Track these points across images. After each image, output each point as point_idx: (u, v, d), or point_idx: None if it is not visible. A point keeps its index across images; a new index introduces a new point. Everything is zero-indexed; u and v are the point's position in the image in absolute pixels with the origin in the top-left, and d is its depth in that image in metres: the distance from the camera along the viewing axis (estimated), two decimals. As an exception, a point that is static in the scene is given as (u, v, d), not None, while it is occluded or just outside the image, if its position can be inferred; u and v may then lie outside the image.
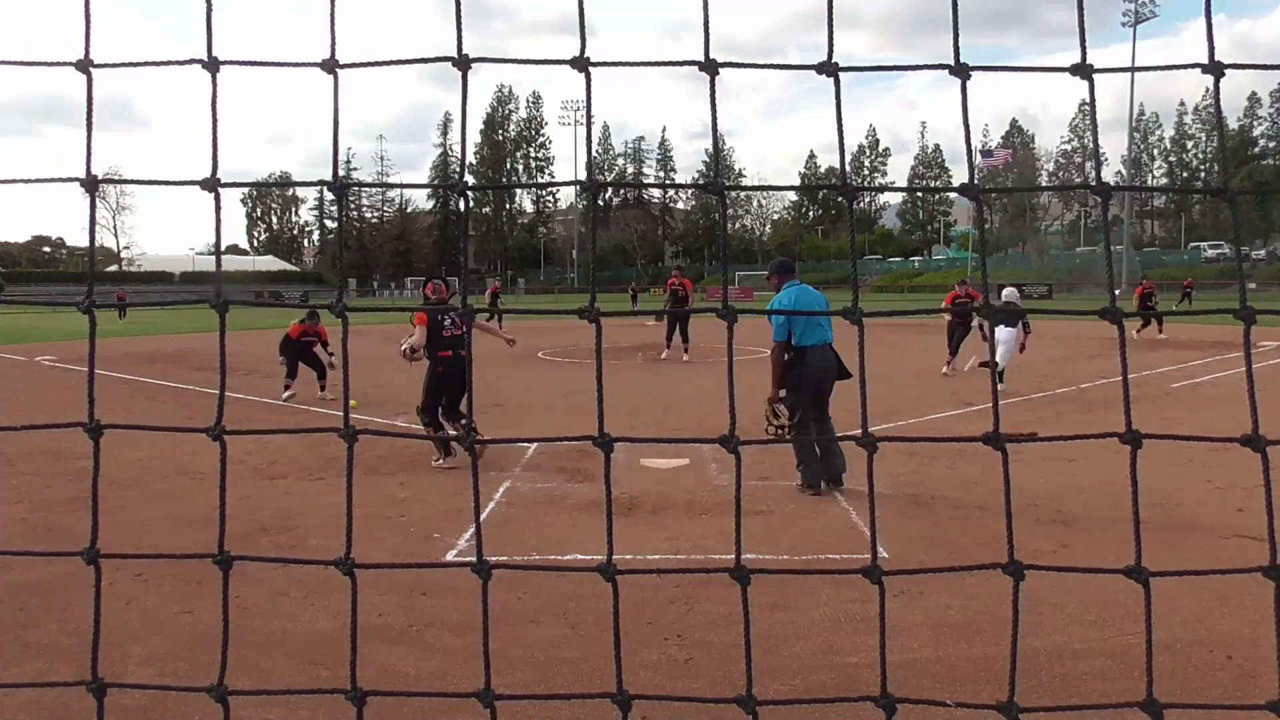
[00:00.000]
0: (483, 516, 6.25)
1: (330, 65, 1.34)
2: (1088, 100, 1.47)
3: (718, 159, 1.60)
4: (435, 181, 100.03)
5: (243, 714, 3.47)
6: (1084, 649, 4.00)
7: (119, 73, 1.43)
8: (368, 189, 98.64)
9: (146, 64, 1.37)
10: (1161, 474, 7.10)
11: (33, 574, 4.84)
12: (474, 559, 1.36)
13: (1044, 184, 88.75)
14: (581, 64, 1.31)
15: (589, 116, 1.48)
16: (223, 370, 1.50)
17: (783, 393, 6.83)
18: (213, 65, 1.34)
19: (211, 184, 1.35)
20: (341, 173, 1.45)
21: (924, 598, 4.62)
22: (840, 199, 1.46)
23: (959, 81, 1.31)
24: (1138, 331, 21.23)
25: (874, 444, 1.36)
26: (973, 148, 1.36)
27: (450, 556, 5.39)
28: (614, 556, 1.41)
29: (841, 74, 1.33)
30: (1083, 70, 1.30)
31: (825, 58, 1.35)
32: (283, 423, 10.60)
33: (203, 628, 4.34)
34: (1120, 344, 1.36)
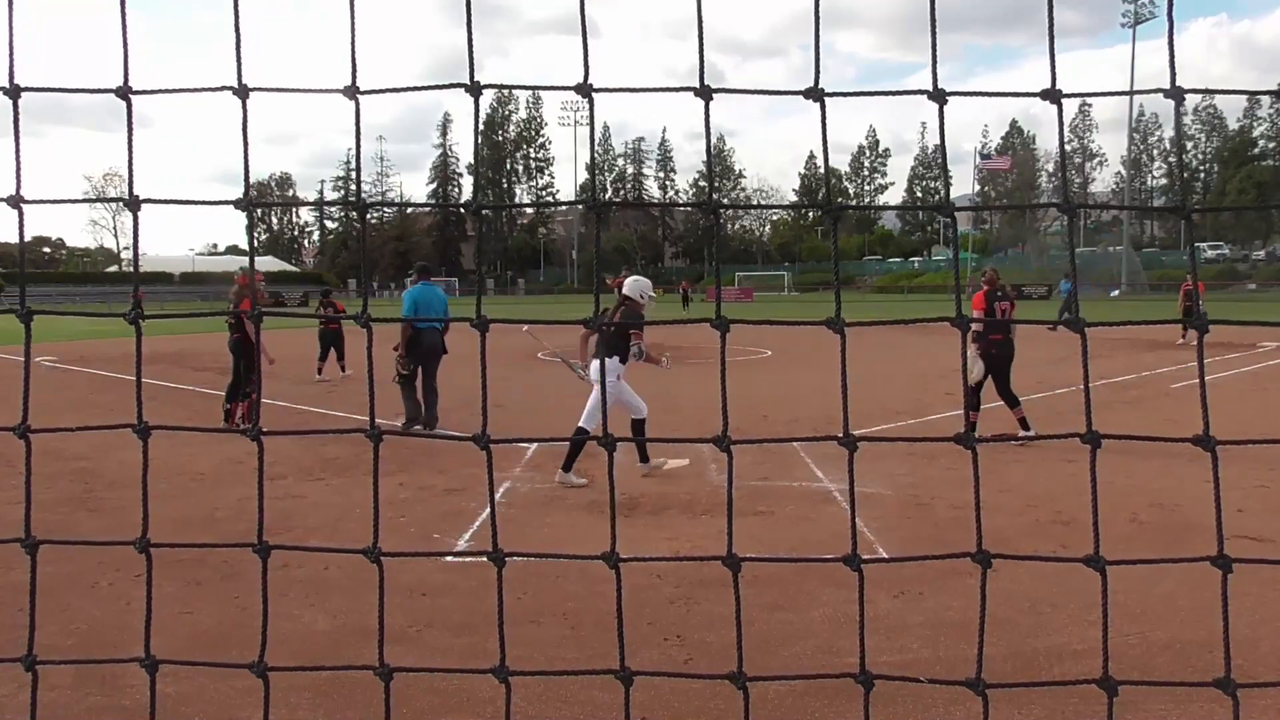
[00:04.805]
0: (483, 517, 6.25)
1: (351, 92, 1.45)
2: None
3: (711, 180, 1.67)
4: (436, 183, 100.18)
5: (242, 714, 3.48)
6: (1084, 649, 4.00)
7: (118, 73, 1.44)
8: (356, 189, 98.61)
9: (182, 90, 1.49)
10: (1162, 475, 7.10)
11: (33, 574, 4.83)
12: (473, 558, 1.39)
13: (1044, 184, 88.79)
14: (585, 90, 1.44)
15: (592, 139, 1.57)
16: (265, 370, 1.53)
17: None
18: (243, 92, 1.45)
19: (245, 204, 1.49)
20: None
21: (924, 598, 4.63)
22: (838, 199, 1.51)
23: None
24: (1183, 335, 20.29)
25: (854, 444, 1.50)
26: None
27: (449, 559, 5.38)
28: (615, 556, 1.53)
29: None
30: (1052, 95, 1.39)
31: (819, 62, 1.39)
32: (281, 424, 10.60)
33: (203, 628, 4.35)
34: (1082, 350, 1.48)
